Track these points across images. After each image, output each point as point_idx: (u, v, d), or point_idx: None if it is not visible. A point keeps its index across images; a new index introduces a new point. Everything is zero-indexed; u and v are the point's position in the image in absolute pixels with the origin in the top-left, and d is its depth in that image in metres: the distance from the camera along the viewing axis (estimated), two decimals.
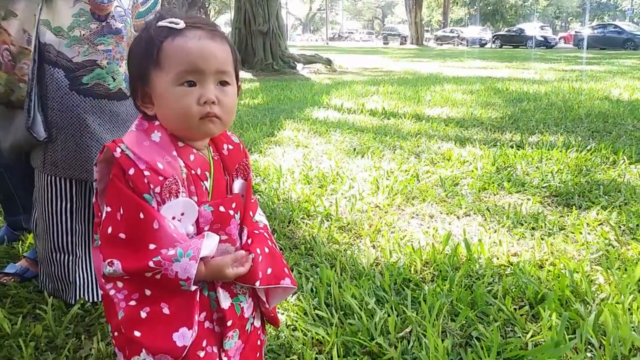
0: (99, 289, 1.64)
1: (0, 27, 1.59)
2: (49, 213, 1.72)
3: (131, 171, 0.88)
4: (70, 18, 1.58)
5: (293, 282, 1.04)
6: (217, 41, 0.91)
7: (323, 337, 1.60)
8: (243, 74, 11.23)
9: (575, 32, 33.55)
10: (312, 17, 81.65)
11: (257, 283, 0.97)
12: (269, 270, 1.00)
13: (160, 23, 0.90)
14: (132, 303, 0.89)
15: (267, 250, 1.02)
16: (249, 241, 1.00)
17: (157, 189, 0.89)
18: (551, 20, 61.59)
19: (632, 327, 1.60)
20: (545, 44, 31.08)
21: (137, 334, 0.88)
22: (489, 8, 52.82)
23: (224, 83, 0.92)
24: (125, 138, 0.92)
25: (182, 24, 0.89)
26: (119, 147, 0.90)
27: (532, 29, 33.55)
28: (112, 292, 0.89)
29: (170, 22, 0.89)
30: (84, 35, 1.60)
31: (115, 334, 0.92)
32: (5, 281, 1.94)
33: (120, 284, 0.89)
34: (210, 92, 0.89)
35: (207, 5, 44.77)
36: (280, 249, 2.24)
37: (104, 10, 1.60)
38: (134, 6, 1.74)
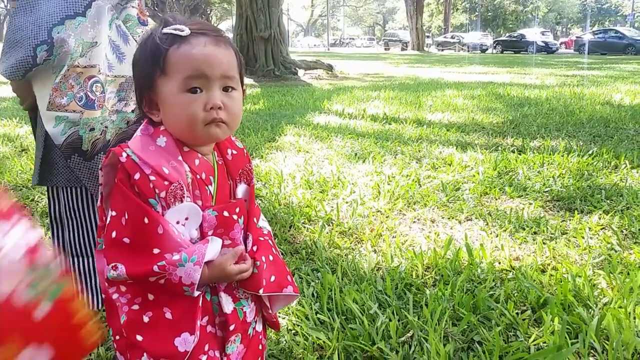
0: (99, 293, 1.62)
1: (79, 66, 1.45)
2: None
3: (137, 176, 0.88)
4: None
5: (295, 290, 1.05)
6: (221, 47, 0.91)
7: (324, 341, 1.60)
8: (244, 80, 11.25)
9: (576, 37, 33.55)
10: (314, 23, 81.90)
11: (261, 291, 0.98)
12: (273, 278, 1.00)
13: (165, 30, 0.89)
14: (135, 307, 0.89)
15: (271, 258, 1.03)
16: (254, 248, 1.01)
17: (163, 194, 0.89)
18: (552, 25, 61.67)
19: (635, 331, 1.59)
20: (546, 49, 31.07)
21: (139, 338, 0.88)
22: (489, 14, 52.95)
23: (229, 88, 0.93)
24: (131, 143, 0.92)
25: (187, 31, 0.89)
26: (125, 151, 0.90)
27: (533, 34, 33.66)
28: (114, 296, 0.89)
29: (175, 29, 0.89)
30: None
31: (117, 337, 0.92)
32: None
33: (123, 288, 0.89)
34: (215, 97, 0.90)
35: (208, 12, 44.98)
36: (282, 254, 2.24)
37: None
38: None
